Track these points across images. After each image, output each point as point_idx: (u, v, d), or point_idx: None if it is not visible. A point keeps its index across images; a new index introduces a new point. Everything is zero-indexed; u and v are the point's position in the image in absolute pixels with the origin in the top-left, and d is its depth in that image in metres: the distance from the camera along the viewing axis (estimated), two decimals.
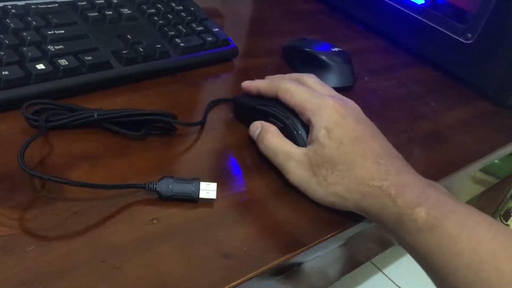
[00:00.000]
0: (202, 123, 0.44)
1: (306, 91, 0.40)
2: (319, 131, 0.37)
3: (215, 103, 0.47)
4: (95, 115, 0.38)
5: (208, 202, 0.36)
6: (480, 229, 0.32)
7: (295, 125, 0.40)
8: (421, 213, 0.33)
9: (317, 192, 0.37)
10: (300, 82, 0.42)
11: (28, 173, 0.32)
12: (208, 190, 0.36)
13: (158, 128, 0.41)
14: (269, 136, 0.40)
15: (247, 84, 0.45)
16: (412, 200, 0.34)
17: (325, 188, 0.37)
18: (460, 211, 0.33)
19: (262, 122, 0.42)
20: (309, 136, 0.39)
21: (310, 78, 0.43)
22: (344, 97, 0.41)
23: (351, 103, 0.41)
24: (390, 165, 0.36)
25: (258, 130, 0.41)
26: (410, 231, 0.33)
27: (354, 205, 0.37)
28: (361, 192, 0.36)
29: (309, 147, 0.38)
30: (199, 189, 0.35)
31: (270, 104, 0.42)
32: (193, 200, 0.36)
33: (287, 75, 0.45)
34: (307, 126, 0.40)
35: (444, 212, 0.33)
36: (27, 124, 0.38)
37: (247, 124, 0.44)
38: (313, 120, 0.38)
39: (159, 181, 0.35)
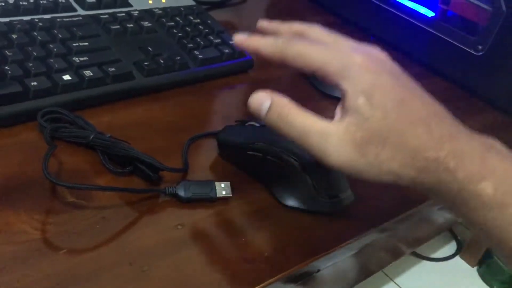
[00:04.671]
0: (184, 170, 0.40)
1: (323, 50, 0.33)
2: (356, 99, 0.31)
3: (194, 140, 0.43)
4: (90, 138, 0.37)
5: (226, 201, 0.38)
6: None
7: (302, 164, 0.36)
8: (487, 188, 0.29)
9: (369, 173, 0.32)
10: (306, 37, 0.36)
11: (56, 184, 0.34)
12: (223, 188, 0.38)
13: (143, 172, 0.37)
14: (289, 108, 0.32)
15: (243, 42, 0.35)
16: (475, 172, 0.30)
17: (378, 167, 0.31)
18: None
19: (271, 93, 0.33)
20: (340, 104, 0.32)
21: (317, 30, 0.36)
22: (367, 46, 0.34)
23: (378, 53, 0.34)
24: (442, 128, 0.31)
25: (267, 103, 0.33)
26: (475, 208, 0.30)
27: (409, 182, 0.32)
28: (417, 168, 0.31)
29: (346, 120, 0.31)
30: (215, 189, 0.37)
31: (265, 141, 0.38)
32: (212, 199, 0.37)
33: (287, 26, 0.37)
34: (313, 161, 0.34)
35: None
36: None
37: (238, 164, 0.40)
38: (343, 85, 0.31)
39: (177, 184, 0.37)
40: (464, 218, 0.32)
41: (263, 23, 0.38)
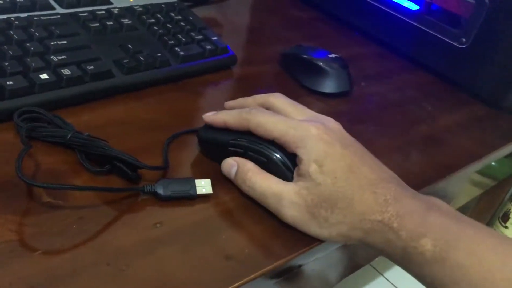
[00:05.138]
0: (164, 168, 0.39)
1: (281, 121, 0.37)
2: (309, 166, 0.35)
3: (175, 137, 0.43)
4: (68, 137, 0.37)
5: (206, 199, 0.37)
6: (489, 255, 0.32)
7: (282, 158, 0.37)
8: (427, 245, 0.32)
9: (320, 234, 0.35)
10: (269, 106, 0.40)
11: (29, 184, 0.33)
12: (203, 186, 0.37)
13: (122, 171, 0.37)
14: (250, 175, 0.37)
15: (211, 118, 0.40)
16: (415, 230, 0.33)
17: (328, 229, 0.35)
18: (466, 236, 0.33)
19: (236, 158, 0.38)
20: (296, 169, 0.36)
21: (277, 99, 0.40)
22: (322, 118, 0.39)
23: (332, 124, 0.38)
24: (387, 192, 0.35)
25: (234, 169, 0.38)
26: (419, 264, 0.33)
27: (358, 242, 0.36)
28: (364, 229, 0.34)
29: (300, 184, 0.35)
30: (195, 186, 0.37)
31: (245, 137, 0.38)
32: (192, 197, 0.37)
33: (251, 99, 0.42)
34: (292, 155, 0.36)
35: (450, 240, 0.32)
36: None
37: (219, 160, 0.40)
38: (298, 153, 0.35)
39: (156, 182, 0.36)
40: (414, 275, 0.34)
41: (230, 103, 0.43)
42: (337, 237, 0.35)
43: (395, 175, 0.38)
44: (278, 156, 0.37)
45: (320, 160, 0.35)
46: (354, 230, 0.35)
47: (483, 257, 0.31)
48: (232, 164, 0.38)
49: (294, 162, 0.37)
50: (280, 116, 0.38)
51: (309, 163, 0.35)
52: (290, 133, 0.36)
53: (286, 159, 0.37)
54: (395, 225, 0.33)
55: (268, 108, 0.40)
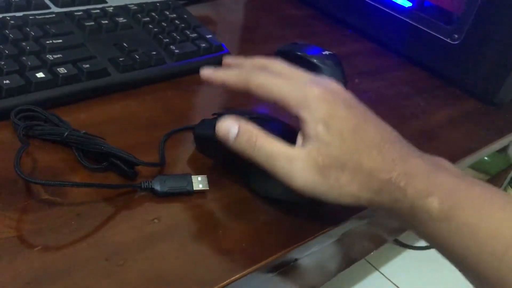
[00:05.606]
0: (161, 164, 0.40)
1: (283, 83, 0.35)
2: (316, 127, 0.33)
3: (171, 135, 0.43)
4: (65, 135, 0.37)
5: (203, 195, 0.38)
6: (498, 213, 0.31)
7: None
8: (433, 203, 0.32)
9: (330, 196, 0.34)
10: (269, 70, 0.38)
11: (27, 181, 0.34)
12: (200, 182, 0.38)
13: (119, 167, 0.37)
14: (256, 136, 0.34)
15: (209, 75, 0.38)
16: (422, 189, 0.32)
17: (339, 190, 0.33)
18: (474, 195, 0.32)
19: (237, 119, 0.35)
20: (301, 132, 0.34)
21: (277, 64, 0.38)
22: (323, 79, 0.36)
23: (333, 85, 0.36)
24: (394, 152, 0.34)
25: (234, 129, 0.35)
26: (425, 222, 0.33)
27: (367, 202, 0.34)
28: (373, 189, 0.33)
29: (308, 146, 0.33)
30: (192, 182, 0.37)
31: None
32: (189, 193, 0.37)
33: (249, 61, 0.40)
34: (287, 137, 0.35)
35: (457, 199, 0.32)
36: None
37: (215, 157, 0.40)
38: (302, 114, 0.34)
39: (153, 179, 0.37)
40: (418, 232, 0.34)
41: (228, 59, 0.41)
42: (347, 197, 0.34)
43: (400, 136, 0.37)
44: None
45: (326, 120, 0.33)
46: (363, 190, 0.33)
47: (491, 215, 0.31)
48: (231, 124, 0.35)
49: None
50: (282, 77, 0.36)
51: (315, 123, 0.33)
52: (292, 94, 0.34)
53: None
54: (402, 184, 0.33)
55: None
